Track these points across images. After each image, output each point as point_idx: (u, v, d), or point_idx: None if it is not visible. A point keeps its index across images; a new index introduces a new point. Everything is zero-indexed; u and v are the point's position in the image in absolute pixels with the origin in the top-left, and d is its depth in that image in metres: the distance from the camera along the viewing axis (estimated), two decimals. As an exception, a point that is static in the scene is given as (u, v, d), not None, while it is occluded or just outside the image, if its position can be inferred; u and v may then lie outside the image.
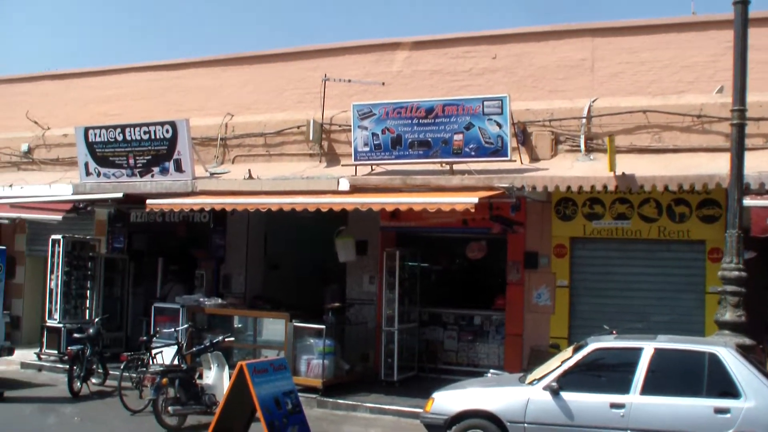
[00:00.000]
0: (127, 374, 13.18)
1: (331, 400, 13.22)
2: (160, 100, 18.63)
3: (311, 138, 15.63)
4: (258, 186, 14.69)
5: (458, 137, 13.46)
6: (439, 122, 13.57)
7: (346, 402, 13.12)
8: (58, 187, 17.38)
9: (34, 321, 19.36)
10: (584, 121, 13.70)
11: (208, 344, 12.51)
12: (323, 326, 13.88)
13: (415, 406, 11.78)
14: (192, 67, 18.65)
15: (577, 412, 8.73)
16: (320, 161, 15.94)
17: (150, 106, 18.46)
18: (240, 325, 15.20)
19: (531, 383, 9.21)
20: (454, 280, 16.72)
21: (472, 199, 11.90)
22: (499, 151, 13.19)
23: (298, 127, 16.17)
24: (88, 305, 17.44)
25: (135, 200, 16.07)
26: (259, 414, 8.52)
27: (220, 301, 15.66)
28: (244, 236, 17.12)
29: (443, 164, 13.90)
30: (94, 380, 14.39)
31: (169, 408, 11.30)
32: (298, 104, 16.84)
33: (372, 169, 14.65)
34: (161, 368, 11.77)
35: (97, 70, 20.31)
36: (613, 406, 8.58)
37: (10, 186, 18.30)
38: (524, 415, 8.92)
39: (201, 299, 15.60)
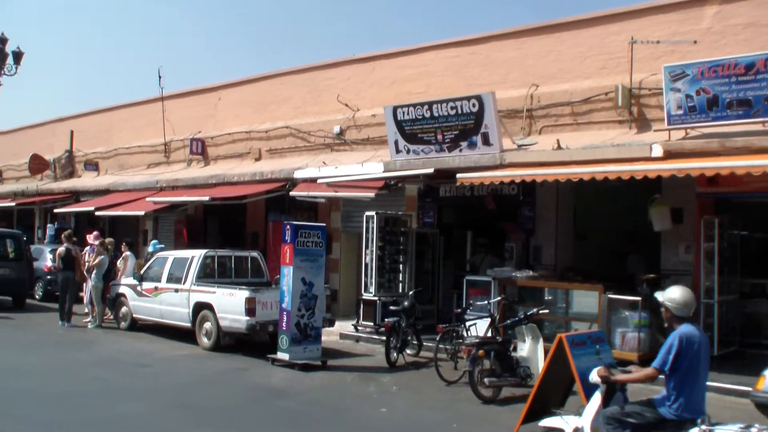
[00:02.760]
0: (442, 346, 13.94)
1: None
2: (461, 75, 19.39)
3: (620, 104, 15.66)
4: (567, 156, 14.97)
5: (783, 93, 12.89)
6: (761, 78, 13.05)
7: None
8: (370, 165, 18.71)
9: (349, 294, 20.99)
10: None
11: (522, 317, 12.93)
12: (638, 298, 13.92)
13: (738, 384, 11.53)
14: (491, 40, 19.17)
15: None
16: (630, 127, 15.91)
17: (452, 83, 19.30)
18: (550, 297, 15.53)
19: None
20: (779, 248, 16.02)
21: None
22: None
23: (606, 94, 16.21)
24: (401, 279, 18.59)
25: (444, 175, 16.97)
26: (578, 387, 8.49)
27: (530, 273, 16.07)
28: (553, 207, 17.45)
29: (766, 124, 13.40)
30: (408, 351, 15.33)
31: (485, 380, 11.79)
32: (601, 70, 16.85)
33: (686, 133, 14.41)
34: (477, 340, 12.30)
35: (400, 51, 21.44)
36: None
37: (324, 166, 19.95)
38: None
39: (512, 272, 16.13)
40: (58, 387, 12.22)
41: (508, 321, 13.18)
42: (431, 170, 16.71)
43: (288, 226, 14.64)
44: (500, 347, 12.24)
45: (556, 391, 9.48)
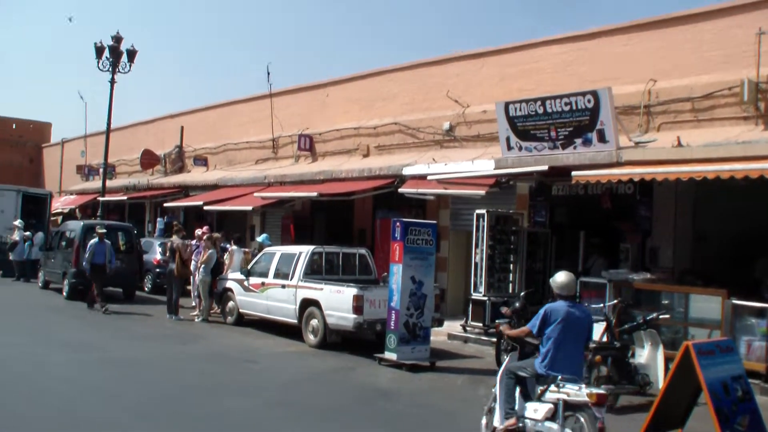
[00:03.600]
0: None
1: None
2: (570, 72, 18.99)
3: (745, 99, 14.98)
4: (688, 153, 14.41)
5: None
6: None
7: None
8: (480, 162, 18.43)
9: (457, 293, 20.74)
10: None
11: (641, 321, 12.49)
12: (767, 305, 13.23)
13: None
14: (600, 36, 18.72)
15: None
16: (756, 124, 15.20)
17: (561, 80, 18.90)
18: (666, 302, 14.92)
19: None
20: None
21: None
22: None
23: (729, 89, 15.55)
24: (510, 279, 18.24)
25: (557, 173, 16.55)
26: (706, 398, 8.02)
27: (647, 275, 15.52)
28: (671, 207, 16.81)
29: None
30: (508, 352, 15.04)
31: (602, 386, 11.40)
32: (723, 64, 16.12)
33: (820, 130, 13.68)
34: (594, 345, 11.87)
35: (509, 47, 21.17)
36: None
37: (433, 162, 19.73)
38: None
39: (628, 274, 15.61)
40: (165, 379, 12.37)
41: (627, 326, 12.74)
42: (545, 167, 16.30)
43: (398, 223, 14.47)
44: (618, 353, 11.85)
45: (678, 403, 9.04)
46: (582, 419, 8.13)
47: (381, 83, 24.95)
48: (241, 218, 28.49)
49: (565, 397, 8.27)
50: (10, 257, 28.15)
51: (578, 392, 8.15)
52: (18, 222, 28.96)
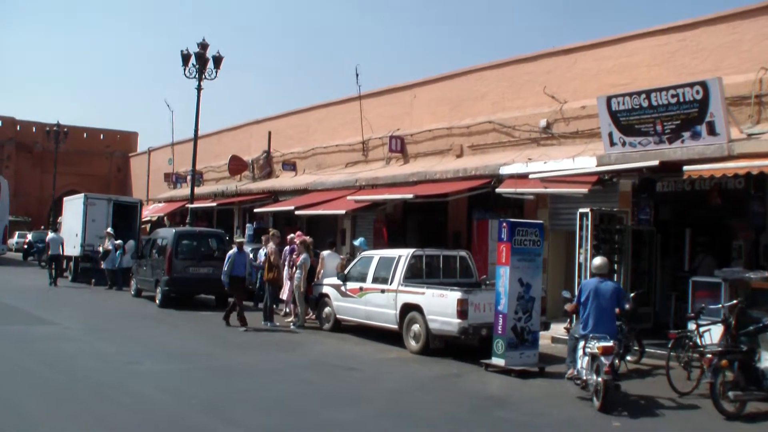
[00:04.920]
0: (674, 353, 13.09)
1: None
2: (669, 65, 18.38)
3: None
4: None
5: None
6: None
7: None
8: (581, 159, 17.91)
9: (557, 295, 20.15)
10: None
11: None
12: None
13: None
14: (701, 26, 18.04)
15: None
16: None
17: (659, 73, 18.32)
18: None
19: None
20: None
21: None
22: None
23: None
24: (615, 279, 17.60)
25: (663, 169, 15.93)
26: None
27: (765, 274, 14.80)
28: (788, 202, 16.08)
29: None
30: (629, 358, 14.46)
31: (729, 393, 10.82)
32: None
33: None
34: (720, 349, 11.33)
35: (602, 41, 20.58)
36: None
37: (531, 161, 19.28)
38: None
39: (744, 272, 14.92)
40: (268, 390, 12.17)
41: (751, 328, 12.09)
42: (655, 163, 15.68)
43: (504, 224, 14.07)
44: (745, 357, 11.24)
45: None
46: (598, 365, 11.22)
47: (469, 82, 24.59)
48: (331, 222, 28.36)
49: (590, 350, 11.42)
50: (102, 266, 28.56)
51: (595, 346, 11.30)
52: (109, 230, 29.36)
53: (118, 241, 28.65)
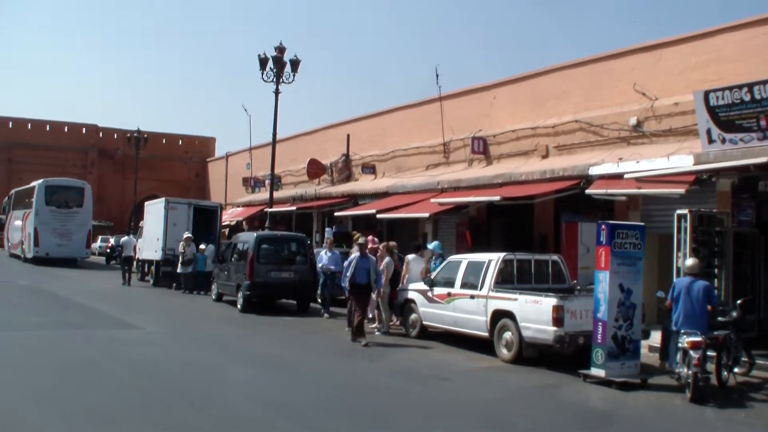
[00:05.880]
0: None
1: None
2: (760, 59, 17.46)
3: None
4: None
5: None
6: None
7: None
8: (677, 158, 17.08)
9: (650, 301, 19.29)
10: None
11: None
12: None
13: None
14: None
15: None
16: None
17: (749, 68, 17.36)
18: None
19: None
20: None
21: None
22: None
23: None
24: (716, 285, 16.72)
25: (764, 167, 15.00)
26: None
27: None
28: None
29: None
30: (737, 369, 13.66)
31: None
32: None
33: None
34: None
35: (688, 36, 19.79)
36: None
37: (622, 161, 18.48)
38: None
39: None
40: (360, 400, 11.71)
41: None
42: (764, 160, 14.74)
43: (603, 226, 13.30)
44: None
45: None
46: (688, 359, 11.91)
47: (550, 82, 23.96)
48: (412, 226, 27.83)
49: (681, 345, 12.19)
50: (179, 270, 28.45)
51: (685, 341, 12.05)
52: (187, 234, 29.15)
53: (201, 246, 28.47)
